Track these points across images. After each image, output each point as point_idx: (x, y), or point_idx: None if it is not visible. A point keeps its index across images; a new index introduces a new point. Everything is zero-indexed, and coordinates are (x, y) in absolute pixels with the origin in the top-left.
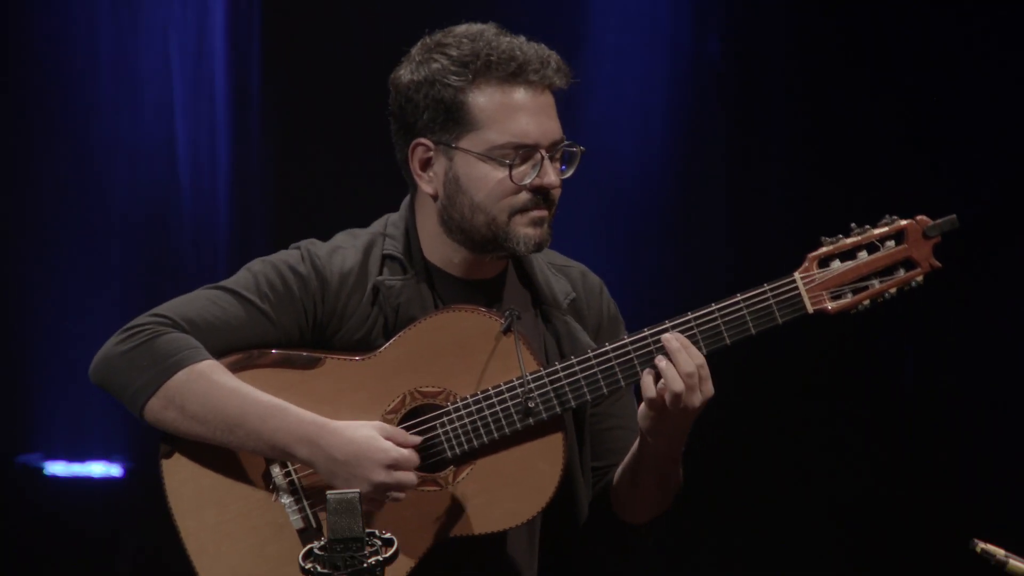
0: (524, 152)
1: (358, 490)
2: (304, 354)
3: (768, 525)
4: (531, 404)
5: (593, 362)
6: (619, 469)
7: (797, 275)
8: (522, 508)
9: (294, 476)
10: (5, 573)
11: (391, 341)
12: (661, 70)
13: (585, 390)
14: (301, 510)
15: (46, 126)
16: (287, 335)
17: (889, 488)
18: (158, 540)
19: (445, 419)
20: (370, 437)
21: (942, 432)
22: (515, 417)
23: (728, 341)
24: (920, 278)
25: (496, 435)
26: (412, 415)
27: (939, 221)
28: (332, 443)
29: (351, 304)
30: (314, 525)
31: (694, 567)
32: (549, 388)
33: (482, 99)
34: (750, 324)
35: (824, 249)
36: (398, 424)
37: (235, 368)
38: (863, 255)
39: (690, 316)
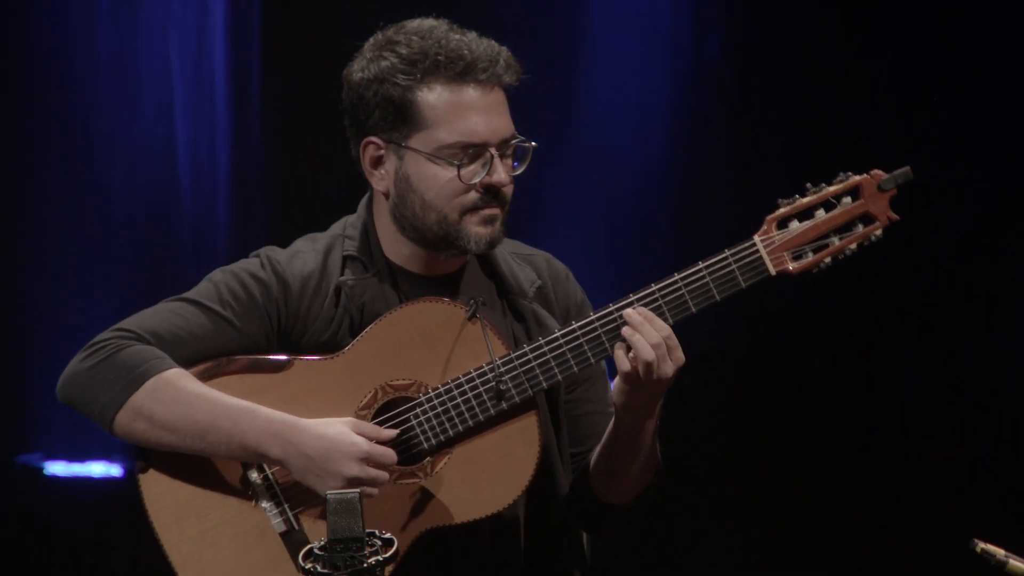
0: (473, 151)
1: (358, 491)
2: (272, 358)
3: (768, 525)
4: (503, 387)
5: (561, 341)
6: (596, 452)
7: (757, 238)
8: (503, 493)
9: (272, 480)
10: (5, 573)
11: (358, 338)
12: (661, 70)
13: (556, 370)
14: (282, 513)
15: (46, 126)
16: (254, 343)
17: (889, 488)
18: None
19: (418, 410)
20: (341, 432)
21: (942, 432)
22: (488, 402)
23: (694, 309)
24: (879, 232)
25: (471, 422)
26: (385, 409)
27: (893, 173)
28: (303, 440)
29: (314, 307)
30: (296, 527)
31: (694, 567)
32: (519, 371)
33: (431, 98)
34: (714, 291)
35: (781, 210)
36: (372, 419)
37: (204, 376)
38: (820, 213)
39: (654, 288)
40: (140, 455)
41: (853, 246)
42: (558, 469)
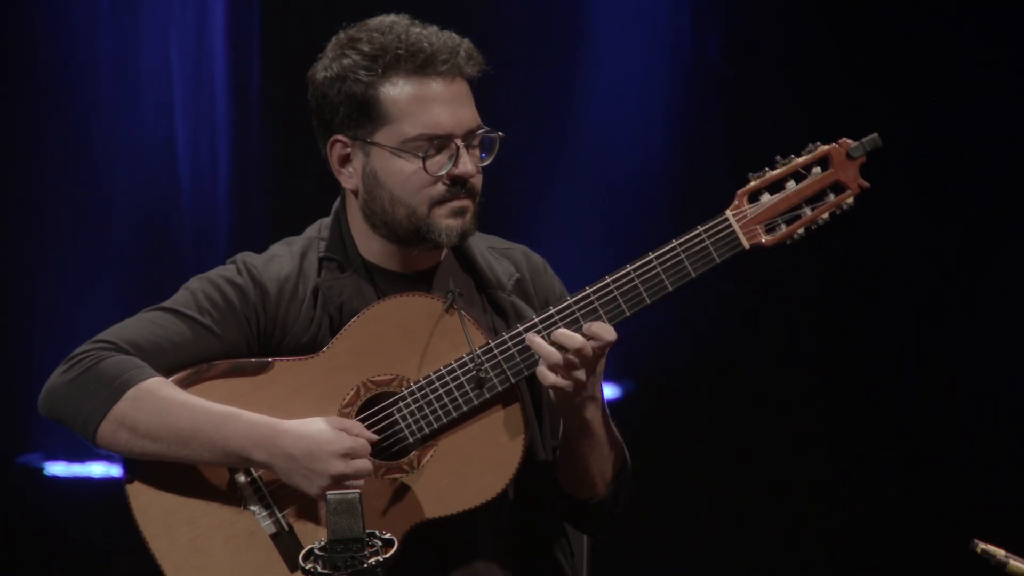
0: (439, 143)
1: (358, 491)
2: (252, 361)
3: (768, 526)
4: (484, 376)
5: (540, 327)
6: (558, 452)
7: (729, 212)
8: (490, 482)
9: (259, 482)
10: (5, 573)
11: (337, 336)
12: (661, 70)
13: (536, 357)
14: (271, 515)
15: (46, 127)
16: (234, 349)
17: (889, 488)
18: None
19: (401, 404)
20: (322, 431)
21: (942, 432)
22: (470, 392)
23: (670, 288)
24: (851, 200)
25: (455, 413)
26: (368, 406)
27: (861, 140)
28: (286, 442)
29: (292, 310)
30: (286, 528)
31: (695, 567)
32: (499, 359)
33: (393, 92)
34: (689, 267)
35: (752, 184)
36: (355, 416)
37: (185, 383)
38: (791, 185)
39: (629, 268)
40: (126, 466)
41: (826, 215)
42: (543, 462)
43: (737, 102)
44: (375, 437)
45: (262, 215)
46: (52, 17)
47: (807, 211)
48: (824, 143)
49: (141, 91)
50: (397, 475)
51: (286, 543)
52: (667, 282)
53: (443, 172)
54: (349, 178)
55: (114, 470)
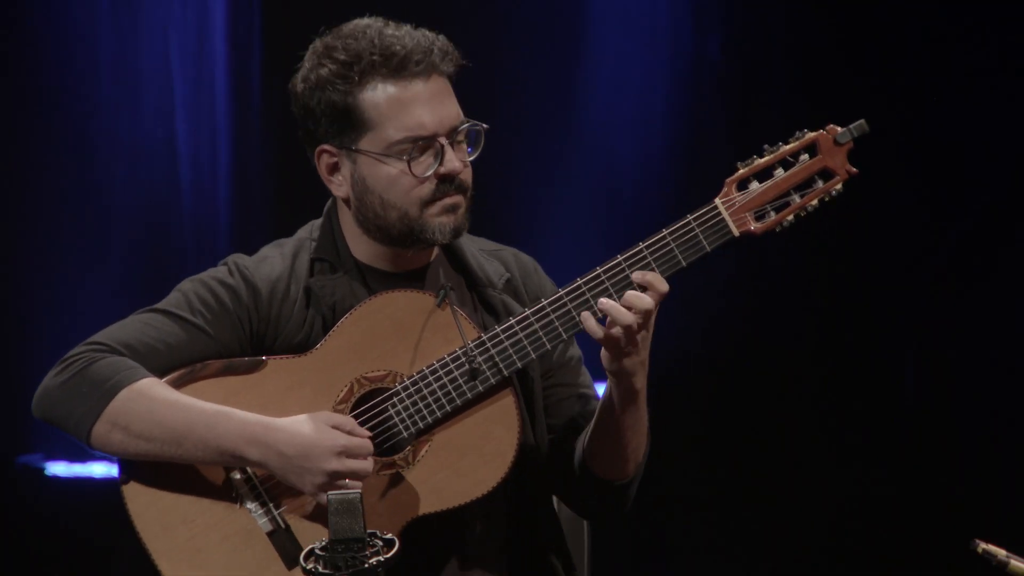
0: (423, 143)
1: (359, 491)
2: (246, 359)
3: (769, 526)
4: (476, 367)
5: (532, 319)
6: (588, 430)
7: (718, 200)
8: (486, 476)
9: (255, 480)
10: (6, 574)
11: (330, 333)
12: (661, 70)
13: (528, 348)
14: (267, 513)
15: (47, 127)
16: (227, 349)
17: (890, 488)
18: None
19: (395, 400)
20: (316, 428)
21: (943, 432)
22: (464, 385)
23: (662, 277)
24: (839, 186)
25: (448, 407)
26: (362, 402)
27: (848, 127)
28: (280, 439)
29: (284, 310)
30: (283, 526)
31: (695, 567)
32: (492, 352)
33: (372, 98)
34: (679, 256)
35: (740, 172)
36: (350, 413)
37: (179, 383)
38: (780, 172)
39: (620, 258)
40: (122, 467)
41: (814, 202)
42: (536, 456)
43: (737, 102)
44: (368, 433)
45: (262, 215)
46: (52, 17)
47: (796, 198)
48: (812, 130)
49: (141, 91)
50: (392, 471)
51: (283, 541)
52: (658, 271)
53: (430, 172)
54: (339, 186)
55: (115, 470)
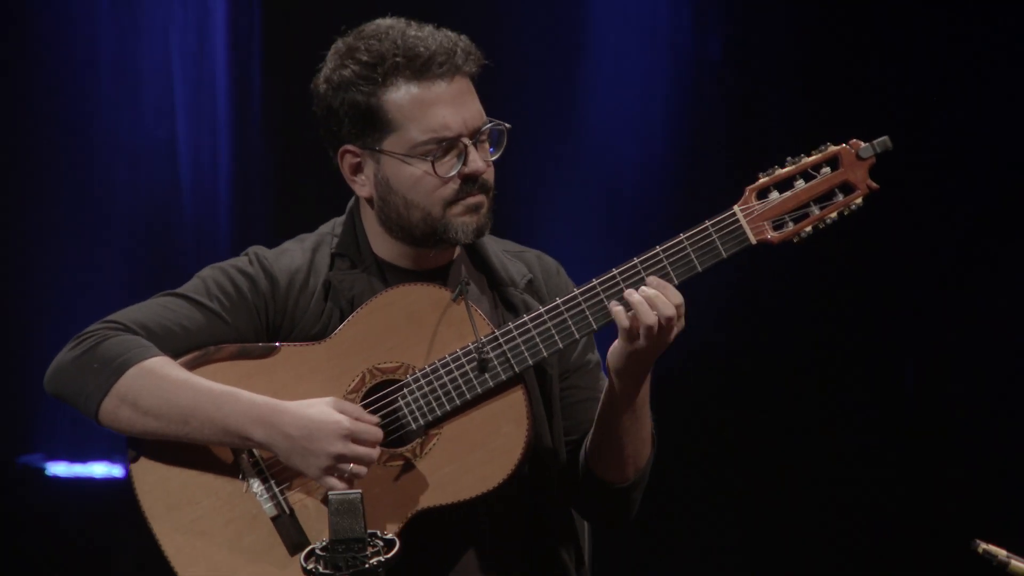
0: (446, 144)
1: (359, 491)
2: (260, 345)
3: (769, 526)
4: (487, 360)
5: (545, 317)
6: (592, 430)
7: (737, 207)
8: (492, 472)
9: (262, 465)
10: (6, 573)
11: (344, 323)
12: (661, 70)
13: (541, 347)
14: (272, 498)
15: (47, 127)
16: (243, 337)
17: (891, 488)
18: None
19: (405, 391)
20: (323, 411)
21: (944, 432)
22: (474, 380)
23: (676, 281)
24: (859, 200)
25: (458, 401)
26: (373, 392)
27: (872, 142)
28: (286, 421)
29: (302, 302)
30: (287, 511)
31: (695, 567)
32: (504, 348)
33: (396, 99)
34: (695, 261)
35: (761, 181)
36: (361, 402)
37: (193, 364)
38: (800, 183)
39: (636, 261)
40: (131, 445)
41: (833, 215)
42: (552, 458)
43: (737, 102)
44: (375, 419)
45: (262, 215)
46: (53, 17)
47: (815, 210)
48: (834, 143)
49: (142, 91)
50: (400, 462)
51: (287, 527)
52: (673, 275)
53: (454, 172)
54: (362, 186)
55: (115, 470)
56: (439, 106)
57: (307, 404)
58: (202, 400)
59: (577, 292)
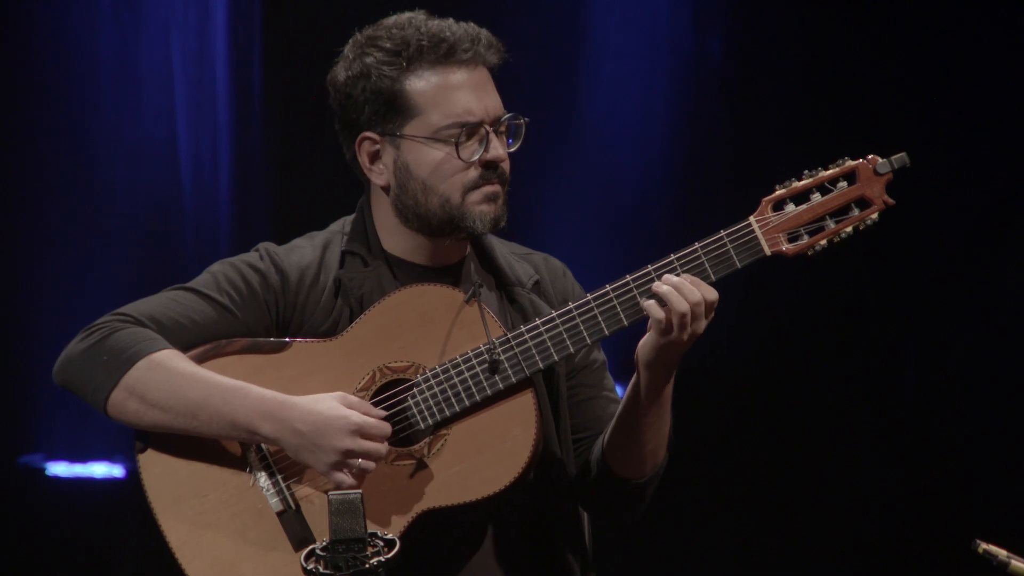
0: (468, 129)
1: (359, 492)
2: (271, 340)
3: (770, 526)
4: (498, 363)
5: (558, 322)
6: (611, 426)
7: (753, 219)
8: (499, 474)
9: (269, 459)
10: (7, 573)
11: (356, 321)
12: (661, 70)
13: (552, 351)
14: (279, 492)
15: (48, 127)
16: (253, 333)
17: (891, 488)
18: (160, 540)
19: (415, 391)
20: (332, 407)
21: (944, 432)
22: (484, 381)
23: None
24: (875, 216)
25: (467, 402)
26: (383, 391)
27: (890, 158)
28: (294, 416)
29: (312, 298)
30: (293, 507)
31: (697, 567)
32: (516, 351)
33: (419, 84)
34: (709, 270)
35: (778, 192)
36: (370, 400)
37: (203, 357)
38: (816, 197)
39: (650, 268)
40: (139, 436)
41: (849, 229)
42: (559, 458)
43: (738, 102)
44: (383, 413)
45: (263, 215)
46: (54, 17)
47: (831, 224)
48: (852, 158)
49: (142, 91)
50: (407, 461)
51: (292, 522)
52: None
53: (475, 158)
54: (379, 174)
55: (116, 470)
56: (462, 91)
57: (316, 399)
58: (211, 394)
59: (590, 297)
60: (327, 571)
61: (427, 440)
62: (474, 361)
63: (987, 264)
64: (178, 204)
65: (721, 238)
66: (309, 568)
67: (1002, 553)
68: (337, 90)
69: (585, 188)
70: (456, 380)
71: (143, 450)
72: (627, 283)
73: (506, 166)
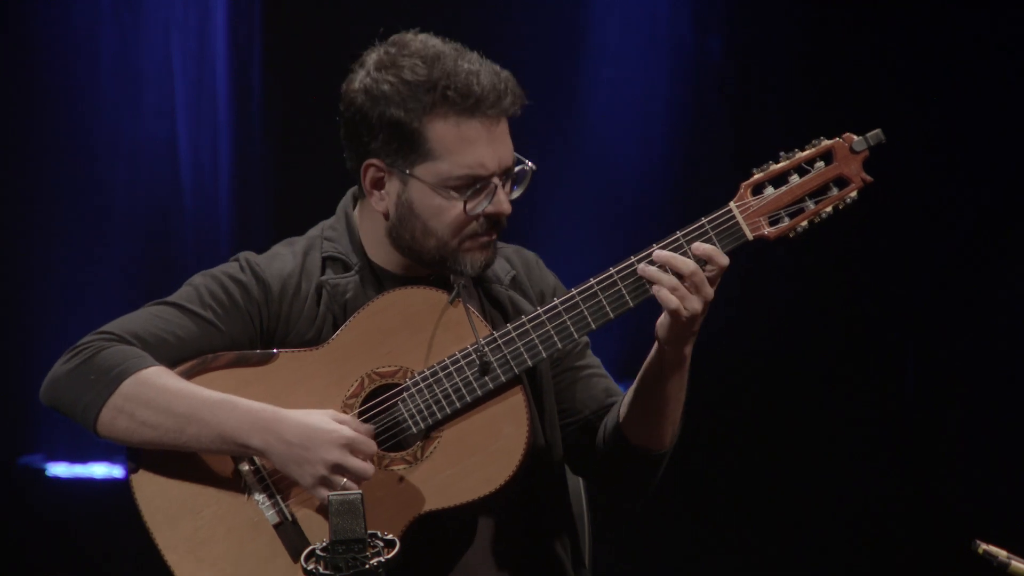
0: (479, 183)
1: (359, 492)
2: (258, 351)
3: (770, 526)
4: (487, 364)
5: (544, 318)
6: (627, 401)
7: (733, 204)
8: (494, 473)
9: (263, 472)
10: (7, 574)
11: (342, 328)
12: (661, 70)
13: (540, 347)
14: (274, 504)
15: (48, 127)
16: (237, 345)
17: (891, 489)
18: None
19: (405, 395)
20: (322, 420)
21: (944, 433)
22: (474, 382)
23: None
24: (854, 194)
25: (458, 404)
26: (372, 397)
27: (865, 135)
28: (283, 428)
29: (295, 307)
30: (289, 519)
31: (697, 567)
32: (504, 351)
33: (438, 130)
34: (692, 259)
35: (756, 177)
36: (359, 407)
37: (191, 373)
38: (795, 178)
39: (633, 259)
40: (130, 457)
41: (828, 209)
42: (546, 453)
43: (737, 102)
44: (371, 430)
45: (263, 215)
46: (54, 17)
47: (810, 204)
48: (828, 138)
49: (142, 91)
50: (400, 466)
51: (289, 534)
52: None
53: (480, 210)
54: (380, 201)
55: (116, 471)
56: (480, 145)
57: (306, 413)
58: (199, 408)
59: (574, 292)
60: (327, 571)
61: (420, 444)
62: (462, 363)
63: (987, 264)
64: (178, 204)
65: (702, 225)
66: (309, 569)
67: (1002, 554)
68: (352, 105)
69: (585, 188)
70: (446, 383)
71: (135, 471)
72: (611, 275)
73: (507, 217)
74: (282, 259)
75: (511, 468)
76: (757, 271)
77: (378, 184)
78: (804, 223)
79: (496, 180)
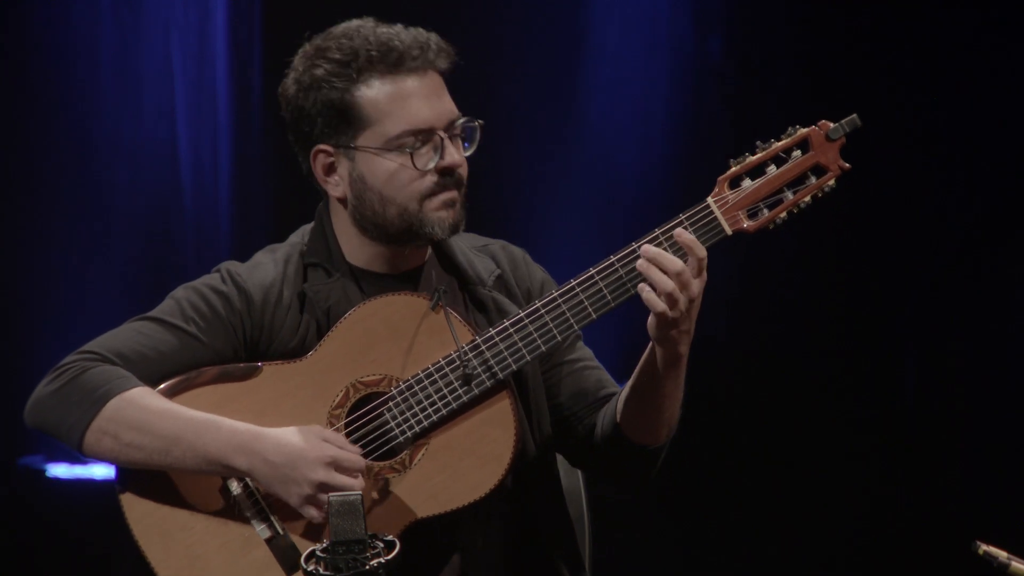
0: (422, 136)
1: (359, 493)
2: (241, 365)
3: (771, 527)
4: (471, 371)
5: (526, 322)
6: (623, 397)
7: (710, 199)
8: (483, 478)
9: (252, 487)
10: (7, 574)
11: (325, 338)
12: (661, 70)
13: (523, 351)
14: (266, 519)
15: (48, 128)
16: (221, 357)
17: (891, 489)
18: None
19: (391, 404)
20: (306, 439)
21: (944, 433)
22: (459, 389)
23: None
24: (832, 182)
25: (444, 411)
26: (358, 407)
27: (840, 122)
28: (267, 448)
29: (278, 316)
30: (281, 532)
31: (697, 567)
32: (488, 355)
33: (370, 94)
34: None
35: (732, 170)
36: (345, 418)
37: (174, 390)
38: (772, 169)
39: (613, 259)
40: (119, 479)
41: (807, 199)
42: (536, 455)
43: (737, 102)
44: (359, 450)
45: (263, 216)
46: (54, 17)
47: (789, 195)
48: (804, 126)
49: (142, 92)
50: (389, 475)
51: (282, 547)
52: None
53: (431, 165)
54: (336, 186)
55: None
56: (413, 99)
57: (290, 431)
58: (183, 429)
59: (556, 294)
60: (327, 572)
61: (407, 452)
62: (447, 369)
63: (988, 264)
64: (178, 204)
65: (681, 222)
66: (309, 569)
67: (1002, 555)
68: (288, 102)
69: (585, 188)
70: (430, 389)
71: (123, 490)
72: (591, 276)
73: (463, 171)
74: (263, 268)
75: (500, 471)
76: (757, 271)
77: (330, 170)
78: (783, 214)
79: (441, 133)
